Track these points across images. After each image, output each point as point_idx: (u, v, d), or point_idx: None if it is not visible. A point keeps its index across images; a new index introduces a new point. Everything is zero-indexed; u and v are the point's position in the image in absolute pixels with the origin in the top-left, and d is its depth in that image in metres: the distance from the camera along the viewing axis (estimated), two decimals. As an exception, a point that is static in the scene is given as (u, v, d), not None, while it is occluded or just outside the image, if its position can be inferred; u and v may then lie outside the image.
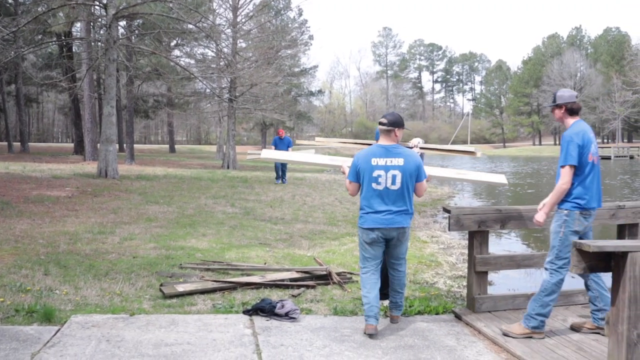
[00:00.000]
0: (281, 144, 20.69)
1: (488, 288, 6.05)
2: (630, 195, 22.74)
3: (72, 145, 43.79)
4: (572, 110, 5.07)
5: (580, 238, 5.00)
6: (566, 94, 5.10)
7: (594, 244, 3.73)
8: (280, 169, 21.54)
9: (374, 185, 5.12)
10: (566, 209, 4.97)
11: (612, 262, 3.84)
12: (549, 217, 5.19)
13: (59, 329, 4.99)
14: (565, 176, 4.90)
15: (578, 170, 4.92)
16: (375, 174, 5.10)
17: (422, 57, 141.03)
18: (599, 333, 5.13)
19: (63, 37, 29.21)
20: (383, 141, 5.23)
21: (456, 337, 5.18)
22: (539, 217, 5.15)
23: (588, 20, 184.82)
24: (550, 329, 5.27)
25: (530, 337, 5.04)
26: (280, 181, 21.32)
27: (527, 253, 6.42)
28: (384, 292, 5.86)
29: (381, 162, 5.11)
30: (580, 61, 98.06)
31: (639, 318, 3.68)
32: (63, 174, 20.03)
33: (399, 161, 5.11)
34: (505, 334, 5.10)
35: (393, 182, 5.09)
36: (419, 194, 5.31)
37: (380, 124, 5.21)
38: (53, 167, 23.30)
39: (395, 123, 5.19)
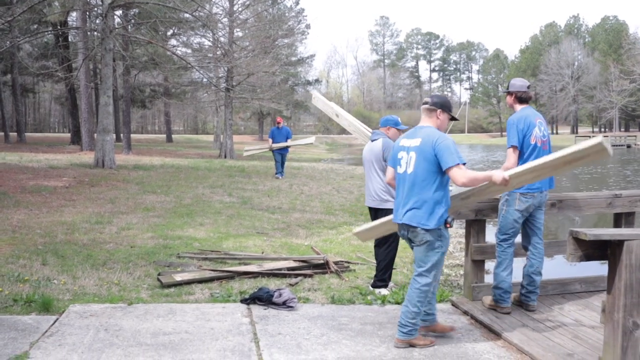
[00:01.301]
0: (279, 134, 19.09)
1: (485, 277, 6.07)
2: (612, 185, 22.77)
3: (68, 135, 43.74)
4: (521, 99, 5.46)
5: (528, 217, 5.43)
6: (518, 83, 5.51)
7: (590, 232, 3.73)
8: (280, 162, 19.55)
9: (397, 168, 4.69)
10: (512, 191, 5.27)
11: (608, 250, 3.85)
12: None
13: (57, 319, 5.00)
14: (510, 157, 5.27)
15: (521, 153, 5.27)
16: (399, 155, 4.67)
17: (420, 46, 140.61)
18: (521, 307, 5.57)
19: (59, 27, 29.01)
20: (421, 122, 4.73)
21: (453, 325, 5.20)
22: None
23: (586, 9, 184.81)
24: (546, 317, 5.31)
25: (495, 310, 5.42)
26: (280, 175, 19.39)
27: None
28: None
29: (406, 143, 4.63)
30: (578, 50, 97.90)
31: (635, 306, 3.70)
32: (60, 164, 20.00)
33: (417, 141, 4.53)
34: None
35: (408, 165, 4.55)
36: (457, 184, 4.42)
37: (424, 102, 4.72)
38: (50, 157, 23.26)
39: (438, 104, 4.64)
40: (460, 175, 4.30)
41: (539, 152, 5.24)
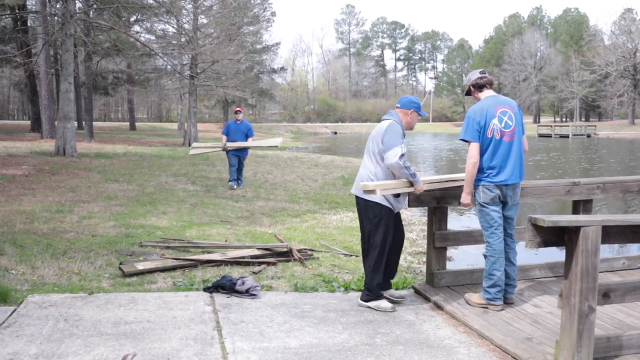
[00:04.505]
0: (237, 130, 13.97)
1: (447, 263, 6.14)
2: (551, 174, 23.25)
3: (28, 122, 42.81)
4: (480, 86, 5.36)
5: (503, 209, 5.31)
6: (471, 75, 5.46)
7: (548, 218, 3.79)
8: (237, 168, 14.14)
9: None
10: (474, 185, 5.27)
11: (565, 236, 3.92)
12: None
13: (14, 310, 4.91)
14: (470, 152, 5.17)
15: (480, 147, 5.16)
16: None
17: (385, 35, 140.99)
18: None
19: (17, 10, 28.27)
20: None
21: (415, 311, 5.25)
22: (463, 199, 5.35)
23: (548, 1, 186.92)
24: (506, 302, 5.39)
25: (486, 308, 5.22)
26: (235, 184, 14.06)
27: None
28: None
29: None
30: (540, 41, 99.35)
31: (590, 290, 3.78)
32: (19, 152, 19.59)
33: None
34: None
35: None
36: None
37: None
38: (9, 145, 22.76)
39: None
40: None
41: (498, 144, 5.11)
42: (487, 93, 5.33)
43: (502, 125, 5.13)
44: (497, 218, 5.22)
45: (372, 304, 5.29)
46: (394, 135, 5.11)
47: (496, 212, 5.21)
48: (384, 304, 5.28)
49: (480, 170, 5.18)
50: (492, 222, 5.20)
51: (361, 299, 5.37)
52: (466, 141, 5.19)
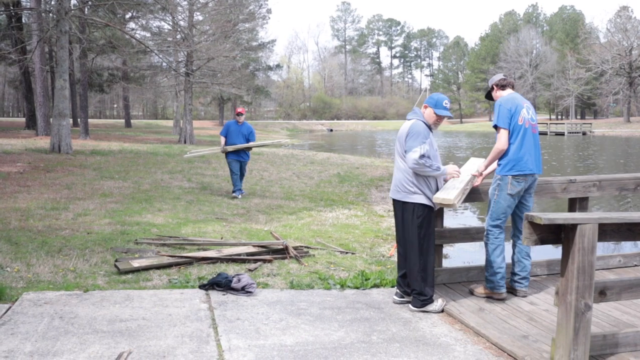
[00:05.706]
0: (237, 132, 12.44)
1: (443, 261, 6.14)
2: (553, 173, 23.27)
3: (23, 119, 42.68)
4: (502, 86, 5.59)
5: (519, 202, 5.44)
6: (495, 77, 5.72)
7: (545, 216, 3.78)
8: (240, 177, 12.64)
9: None
10: (499, 174, 5.35)
11: (562, 234, 3.91)
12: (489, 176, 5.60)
13: (9, 307, 4.88)
14: (500, 138, 5.31)
15: (510, 135, 5.30)
16: None
17: (381, 32, 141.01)
18: (511, 293, 5.57)
19: (11, 7, 28.14)
20: None
21: (411, 309, 5.24)
22: (480, 168, 5.57)
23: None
24: (503, 300, 5.38)
25: (491, 297, 5.38)
26: (239, 194, 12.51)
27: (481, 226, 6.56)
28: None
29: None
30: (536, 38, 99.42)
31: (587, 288, 3.77)
32: (14, 149, 19.52)
33: None
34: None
35: None
36: None
37: None
38: (3, 142, 22.67)
39: None
40: None
41: (528, 135, 5.29)
42: (509, 91, 5.56)
43: (529, 117, 5.37)
44: (510, 211, 5.40)
45: (430, 307, 5.17)
46: (415, 135, 5.07)
47: (513, 205, 5.37)
48: (439, 303, 5.22)
49: (511, 159, 5.28)
50: (505, 214, 5.37)
51: (415, 306, 5.19)
52: (497, 128, 5.33)
